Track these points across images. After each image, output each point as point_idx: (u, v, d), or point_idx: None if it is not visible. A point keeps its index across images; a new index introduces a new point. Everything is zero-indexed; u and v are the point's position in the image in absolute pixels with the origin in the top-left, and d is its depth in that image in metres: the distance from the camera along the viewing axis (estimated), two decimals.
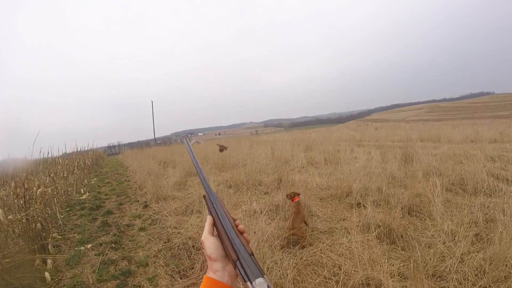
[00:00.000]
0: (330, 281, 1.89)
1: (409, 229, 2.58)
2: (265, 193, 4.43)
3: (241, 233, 0.50)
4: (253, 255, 0.46)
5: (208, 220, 0.54)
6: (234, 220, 0.53)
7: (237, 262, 0.45)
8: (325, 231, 2.81)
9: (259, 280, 0.40)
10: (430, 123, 21.98)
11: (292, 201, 3.01)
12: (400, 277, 1.87)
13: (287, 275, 1.96)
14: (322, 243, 2.52)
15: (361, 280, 1.81)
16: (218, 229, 0.52)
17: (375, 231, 2.50)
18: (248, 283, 0.40)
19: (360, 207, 3.16)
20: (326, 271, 2.00)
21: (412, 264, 1.88)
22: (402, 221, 2.69)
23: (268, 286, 0.39)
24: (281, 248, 2.53)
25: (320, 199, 3.81)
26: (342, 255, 2.24)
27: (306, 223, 2.85)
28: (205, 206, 2.86)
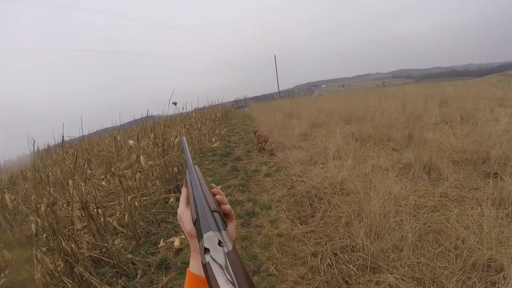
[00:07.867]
0: (450, 253, 1.84)
1: None
2: (393, 150, 4.22)
3: (214, 195, 0.44)
4: (218, 212, 0.38)
5: (183, 192, 0.48)
6: (212, 188, 0.47)
7: (196, 222, 0.37)
8: (454, 199, 2.63)
9: (208, 234, 0.32)
10: None
11: (255, 134, 5.85)
12: None
13: (408, 238, 1.94)
14: (450, 211, 2.36)
15: (483, 260, 1.72)
16: (190, 198, 0.45)
17: (509, 207, 2.24)
18: (200, 242, 0.33)
19: (496, 177, 2.83)
20: (448, 242, 1.94)
21: None
22: None
23: (220, 241, 0.31)
24: (259, 150, 5.58)
25: (453, 163, 3.52)
26: (469, 228, 2.09)
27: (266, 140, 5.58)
28: (327, 157, 3.87)
